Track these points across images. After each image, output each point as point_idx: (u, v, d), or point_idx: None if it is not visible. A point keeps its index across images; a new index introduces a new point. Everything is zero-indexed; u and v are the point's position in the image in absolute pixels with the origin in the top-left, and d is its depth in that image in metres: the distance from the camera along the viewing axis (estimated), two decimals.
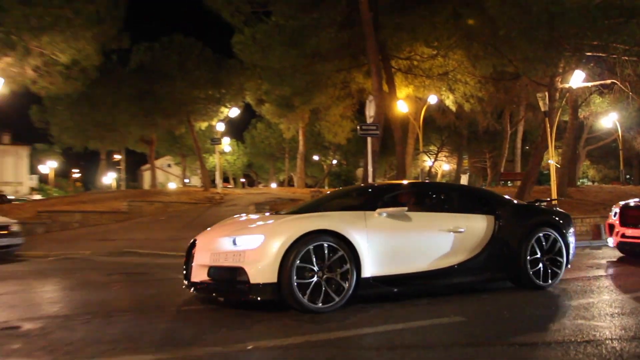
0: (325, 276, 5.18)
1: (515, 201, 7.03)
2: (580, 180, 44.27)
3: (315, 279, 5.13)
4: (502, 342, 4.16)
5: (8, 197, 34.38)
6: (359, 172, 52.37)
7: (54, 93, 21.87)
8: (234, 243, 5.25)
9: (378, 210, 5.71)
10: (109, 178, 57.79)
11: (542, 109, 16.87)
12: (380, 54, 21.76)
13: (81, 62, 20.10)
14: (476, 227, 6.27)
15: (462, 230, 6.11)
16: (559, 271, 6.55)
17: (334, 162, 57.28)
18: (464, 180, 48.45)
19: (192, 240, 5.92)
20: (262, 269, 5.02)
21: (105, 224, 18.89)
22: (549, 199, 8.65)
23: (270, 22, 23.17)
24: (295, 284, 5.01)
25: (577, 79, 16.95)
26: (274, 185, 58.12)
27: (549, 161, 17.40)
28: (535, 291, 6.38)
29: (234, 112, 32.62)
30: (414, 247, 5.85)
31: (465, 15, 20.45)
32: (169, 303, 5.93)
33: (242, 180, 74.41)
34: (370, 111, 14.86)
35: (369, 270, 5.43)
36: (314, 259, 5.13)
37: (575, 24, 16.93)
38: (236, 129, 54.15)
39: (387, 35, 22.28)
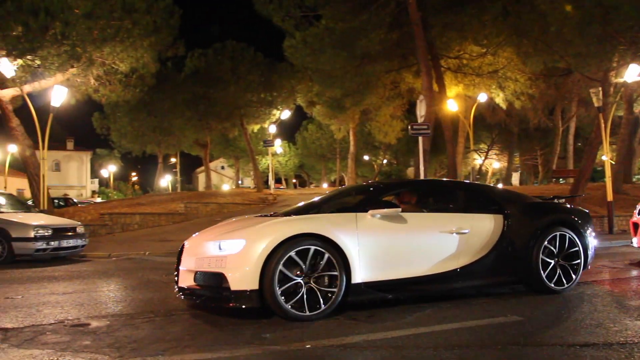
0: (311, 282, 4.94)
1: (528, 198, 6.64)
2: (636, 177, 42.71)
3: (300, 285, 4.91)
4: (561, 342, 4.09)
5: (74, 200, 35.78)
6: (410, 171, 52.07)
7: (114, 100, 22.66)
8: (219, 248, 5.08)
9: (370, 211, 5.39)
10: (166, 181, 59.35)
11: (596, 105, 16.44)
12: (429, 53, 21.66)
13: (139, 70, 20.79)
14: (482, 227, 5.90)
15: (465, 231, 5.75)
16: (574, 274, 6.11)
17: (385, 161, 57.17)
18: (515, 178, 47.35)
19: (182, 244, 5.74)
20: (243, 275, 4.83)
21: (163, 225, 19.48)
22: (570, 195, 8.08)
23: (320, 25, 23.34)
24: (278, 290, 4.79)
25: (633, 73, 16.41)
26: (325, 185, 58.37)
27: (603, 157, 16.88)
28: (593, 291, 6.21)
29: (285, 114, 33.10)
30: (410, 250, 5.52)
31: (515, 12, 20.09)
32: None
33: (294, 180, 75.09)
34: (421, 111, 14.83)
35: (360, 275, 5.14)
36: (299, 264, 4.91)
37: (630, 16, 16.36)
38: (288, 131, 54.92)
39: (436, 35, 22.17)
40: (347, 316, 5.07)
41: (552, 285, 5.95)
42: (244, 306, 4.86)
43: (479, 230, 5.83)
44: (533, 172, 55.56)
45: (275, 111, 33.26)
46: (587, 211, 6.77)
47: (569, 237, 6.08)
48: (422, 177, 14.66)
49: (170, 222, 19.91)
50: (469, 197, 6.44)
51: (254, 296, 4.81)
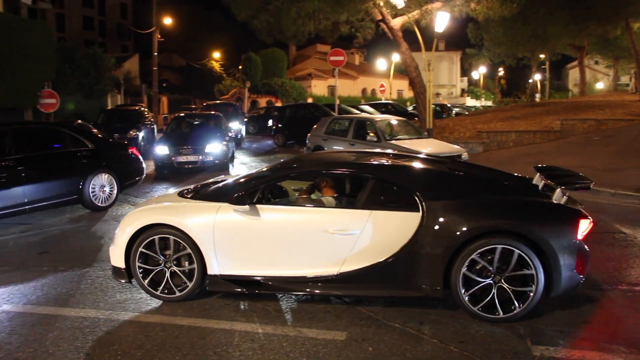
0: (171, 268, 5.35)
1: (479, 191, 5.16)
2: None
3: (159, 269, 5.38)
4: None
5: (448, 106, 37.71)
6: None
7: (491, 17, 23.26)
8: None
9: (234, 205, 5.20)
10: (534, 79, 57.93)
11: None
12: None
13: None
14: (381, 228, 4.96)
15: (353, 232, 4.97)
16: (520, 304, 4.70)
17: None
18: None
19: None
20: (114, 253, 5.48)
21: (537, 143, 19.76)
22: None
23: None
24: (140, 271, 5.36)
25: None
26: None
27: None
28: None
29: None
30: (273, 248, 5.19)
31: None
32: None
33: None
34: None
35: (217, 267, 5.26)
36: (158, 250, 5.34)
37: None
38: None
39: None
40: None
41: (477, 310, 4.76)
42: (123, 281, 5.53)
43: (374, 232, 4.97)
44: None
45: None
46: (577, 214, 4.85)
47: (518, 254, 4.65)
48: None
49: (545, 140, 20.01)
50: (379, 186, 5.25)
51: (124, 273, 5.44)
